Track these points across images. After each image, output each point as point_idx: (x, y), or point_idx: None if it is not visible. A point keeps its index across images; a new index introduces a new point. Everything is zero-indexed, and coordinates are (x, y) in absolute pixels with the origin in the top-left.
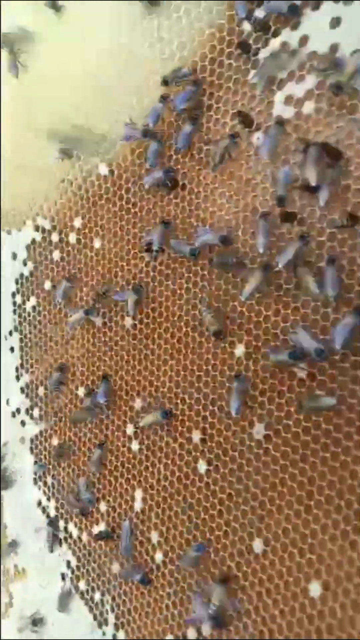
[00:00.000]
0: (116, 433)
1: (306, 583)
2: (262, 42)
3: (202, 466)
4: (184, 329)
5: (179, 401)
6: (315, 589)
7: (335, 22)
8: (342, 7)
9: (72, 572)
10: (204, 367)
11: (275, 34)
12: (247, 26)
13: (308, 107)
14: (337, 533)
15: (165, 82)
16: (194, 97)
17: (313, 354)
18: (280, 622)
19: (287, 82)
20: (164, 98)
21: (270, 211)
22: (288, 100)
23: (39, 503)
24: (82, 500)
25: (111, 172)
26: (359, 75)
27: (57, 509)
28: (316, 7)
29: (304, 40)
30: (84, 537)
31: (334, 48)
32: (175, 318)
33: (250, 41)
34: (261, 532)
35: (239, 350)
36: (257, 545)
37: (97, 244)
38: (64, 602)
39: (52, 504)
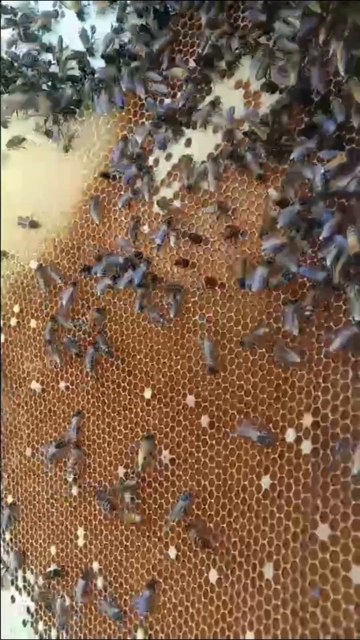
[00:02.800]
0: (58, 482)
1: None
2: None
3: (127, 496)
4: (111, 386)
5: (105, 444)
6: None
7: (188, 142)
8: (192, 132)
9: (32, 616)
10: (119, 418)
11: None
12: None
13: (176, 204)
14: None
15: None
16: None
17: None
18: None
19: (160, 188)
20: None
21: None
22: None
23: None
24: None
25: (40, 266)
26: (203, 178)
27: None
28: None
29: (168, 156)
30: (40, 580)
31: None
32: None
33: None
34: (175, 541)
35: (147, 392)
36: (172, 551)
37: (32, 324)
38: None
39: (12, 556)
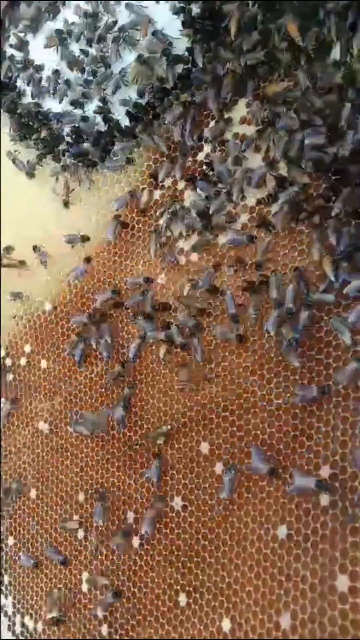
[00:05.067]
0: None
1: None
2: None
3: (136, 541)
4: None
5: (115, 488)
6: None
7: None
8: None
9: None
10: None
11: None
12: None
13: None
14: None
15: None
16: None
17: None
18: None
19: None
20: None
21: None
22: (180, 251)
23: None
24: None
25: (54, 307)
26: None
27: (14, 605)
28: None
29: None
30: (39, 626)
31: None
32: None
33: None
34: (185, 588)
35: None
36: (182, 598)
37: (43, 364)
38: None
39: (10, 600)
